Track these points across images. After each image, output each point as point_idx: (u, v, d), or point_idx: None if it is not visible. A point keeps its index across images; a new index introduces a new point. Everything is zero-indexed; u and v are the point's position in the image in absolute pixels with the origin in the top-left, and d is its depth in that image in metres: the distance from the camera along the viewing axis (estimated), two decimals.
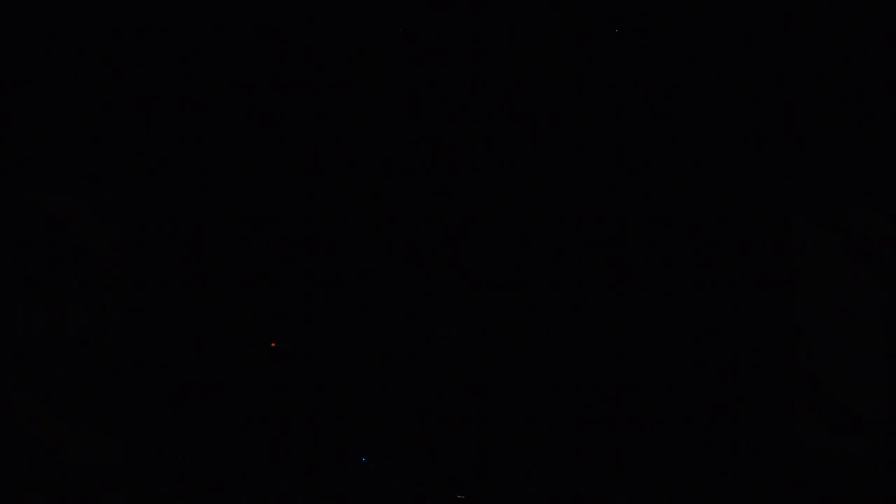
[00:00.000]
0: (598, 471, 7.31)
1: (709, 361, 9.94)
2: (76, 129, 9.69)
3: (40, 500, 6.74)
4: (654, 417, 8.22)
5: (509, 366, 9.95)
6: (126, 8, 9.73)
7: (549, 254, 10.33)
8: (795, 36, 9.75)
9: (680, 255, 9.77)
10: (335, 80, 10.43)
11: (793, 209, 7.81)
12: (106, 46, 9.76)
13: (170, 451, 6.90)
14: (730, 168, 10.11)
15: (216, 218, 10.34)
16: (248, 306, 9.93)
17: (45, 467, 7.11)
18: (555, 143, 10.57)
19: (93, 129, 9.77)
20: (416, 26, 9.56)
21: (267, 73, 10.23)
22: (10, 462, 7.16)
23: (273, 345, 9.98)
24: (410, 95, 9.61)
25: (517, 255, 10.19)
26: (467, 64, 9.75)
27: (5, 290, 7.38)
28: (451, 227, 10.44)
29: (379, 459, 6.93)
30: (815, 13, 9.65)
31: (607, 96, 10.45)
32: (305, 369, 9.93)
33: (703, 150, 10.23)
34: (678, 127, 10.44)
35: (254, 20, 10.39)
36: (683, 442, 7.14)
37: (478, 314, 9.60)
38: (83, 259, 7.38)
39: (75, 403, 7.28)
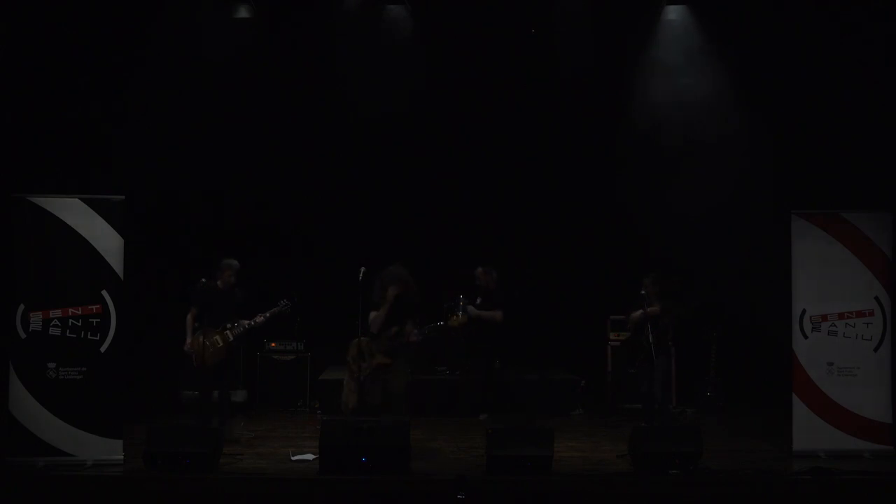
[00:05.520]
0: (597, 470, 7.33)
1: (707, 361, 9.97)
2: (76, 130, 9.70)
3: (41, 500, 6.73)
4: (653, 415, 8.24)
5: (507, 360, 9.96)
6: (126, 11, 9.74)
7: (547, 250, 10.32)
8: (795, 36, 9.78)
9: (680, 255, 9.79)
10: (334, 84, 10.44)
11: (793, 209, 7.83)
12: (105, 48, 9.77)
13: (173, 452, 6.89)
14: (730, 168, 10.14)
15: (216, 218, 10.35)
16: (248, 305, 9.93)
17: (45, 467, 7.10)
18: (554, 140, 10.58)
19: (92, 130, 9.78)
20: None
21: (266, 74, 10.25)
22: (10, 461, 7.16)
23: (273, 345, 9.98)
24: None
25: (515, 254, 10.21)
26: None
27: (5, 290, 7.37)
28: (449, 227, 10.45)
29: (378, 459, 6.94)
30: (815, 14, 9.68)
31: (608, 95, 10.48)
32: (304, 368, 9.95)
33: (704, 150, 10.27)
34: (678, 126, 10.46)
35: (250, 22, 10.39)
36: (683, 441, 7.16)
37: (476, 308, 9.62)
38: (84, 259, 7.36)
39: (75, 403, 7.27)
